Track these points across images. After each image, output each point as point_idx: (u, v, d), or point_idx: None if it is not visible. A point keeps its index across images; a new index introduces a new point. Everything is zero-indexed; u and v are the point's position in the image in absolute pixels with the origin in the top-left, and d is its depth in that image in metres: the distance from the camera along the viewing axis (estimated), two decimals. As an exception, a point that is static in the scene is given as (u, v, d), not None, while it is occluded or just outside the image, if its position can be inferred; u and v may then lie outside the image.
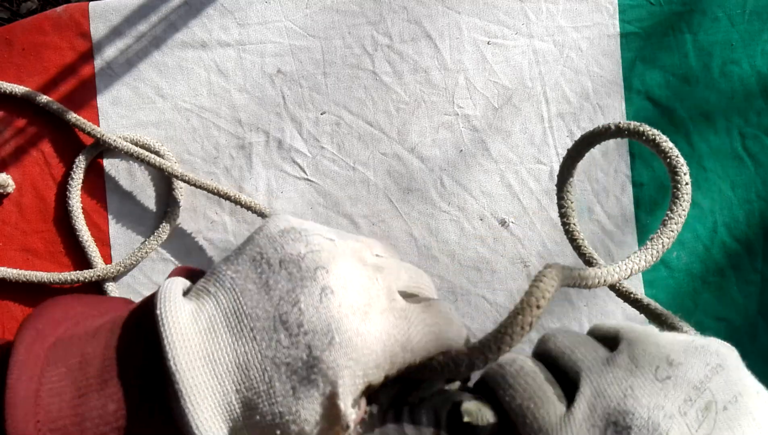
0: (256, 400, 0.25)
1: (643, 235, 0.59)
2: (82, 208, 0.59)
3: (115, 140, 0.57)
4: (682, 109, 0.59)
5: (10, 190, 0.60)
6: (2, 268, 0.58)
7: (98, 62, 0.60)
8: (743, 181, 0.59)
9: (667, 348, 0.27)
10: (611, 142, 0.59)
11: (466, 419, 0.27)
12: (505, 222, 0.59)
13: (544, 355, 0.30)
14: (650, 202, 0.59)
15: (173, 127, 0.60)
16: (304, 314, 0.25)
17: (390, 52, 0.60)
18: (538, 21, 0.59)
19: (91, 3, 0.60)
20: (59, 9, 0.60)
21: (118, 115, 0.60)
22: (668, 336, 0.28)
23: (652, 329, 0.29)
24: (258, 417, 0.25)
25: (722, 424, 0.24)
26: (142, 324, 0.27)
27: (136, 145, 0.59)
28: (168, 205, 0.59)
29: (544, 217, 0.59)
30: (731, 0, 0.59)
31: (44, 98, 0.59)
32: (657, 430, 0.24)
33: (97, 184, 0.60)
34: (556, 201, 0.48)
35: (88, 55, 0.60)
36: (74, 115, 0.58)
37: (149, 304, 0.27)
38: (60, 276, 0.58)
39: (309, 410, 0.25)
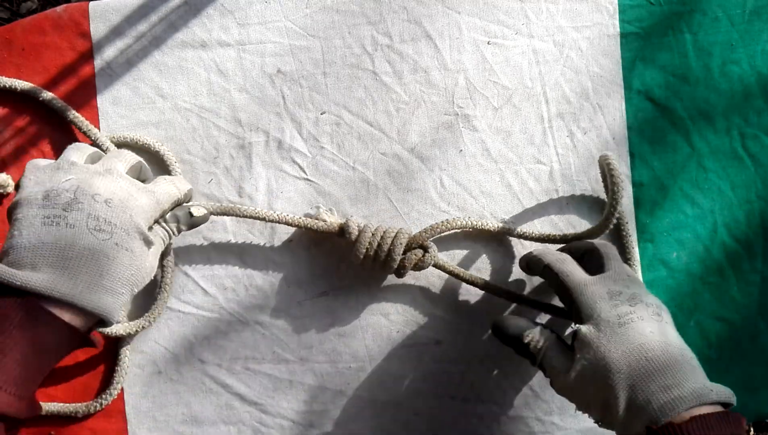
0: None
1: (643, 235, 0.59)
2: (82, 208, 0.59)
3: (108, 148, 0.57)
4: (682, 109, 0.59)
5: (10, 190, 0.60)
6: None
7: (98, 62, 0.60)
8: (743, 181, 0.59)
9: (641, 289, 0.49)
10: (611, 142, 0.59)
11: (194, 213, 0.52)
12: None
13: (570, 251, 0.54)
14: (650, 202, 0.59)
15: (173, 127, 0.60)
16: (107, 219, 0.44)
17: (390, 52, 0.60)
18: (538, 21, 0.59)
19: (91, 3, 0.60)
20: (59, 9, 0.60)
21: (118, 115, 0.60)
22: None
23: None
24: (123, 274, 0.44)
25: (667, 327, 0.46)
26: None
27: (136, 145, 0.59)
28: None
29: (544, 217, 0.59)
30: (731, 0, 0.59)
31: (48, 95, 0.59)
32: (636, 299, 0.46)
33: (97, 184, 0.60)
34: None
35: (88, 55, 0.60)
36: (74, 112, 0.58)
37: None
38: (60, 276, 0.58)
39: (138, 247, 0.46)
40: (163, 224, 0.50)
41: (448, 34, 0.59)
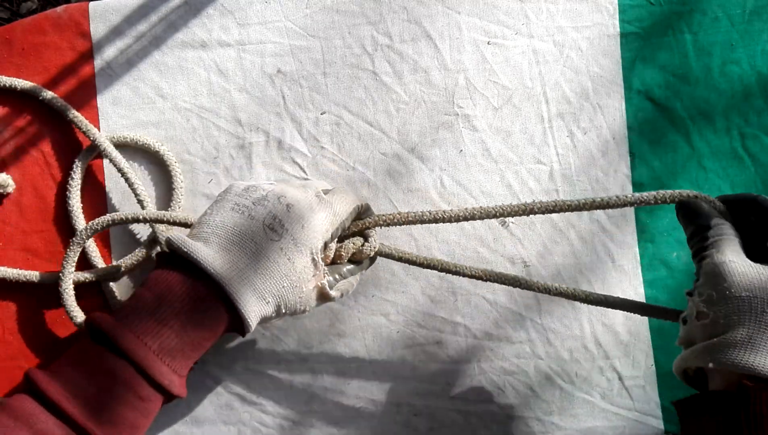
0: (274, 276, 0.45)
1: (643, 235, 0.59)
2: (82, 208, 0.59)
3: (105, 148, 0.57)
4: (682, 109, 0.59)
5: (10, 190, 0.60)
6: (2, 268, 0.58)
7: (98, 62, 0.60)
8: (743, 181, 0.59)
9: None
10: (611, 142, 0.59)
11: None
12: (505, 222, 0.59)
13: None
14: (650, 202, 0.59)
15: (173, 127, 0.60)
16: (282, 221, 0.45)
17: (390, 52, 0.60)
18: (538, 21, 0.59)
19: (91, 3, 0.60)
20: (59, 9, 0.60)
21: (118, 115, 0.60)
22: None
23: None
24: (275, 283, 0.44)
25: None
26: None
27: (136, 145, 0.59)
28: (168, 205, 0.59)
29: (543, 217, 0.59)
30: (731, 0, 0.59)
31: (49, 94, 0.59)
32: None
33: (97, 184, 0.60)
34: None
35: (88, 55, 0.60)
36: (74, 112, 0.58)
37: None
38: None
39: (302, 263, 0.45)
40: (349, 277, 0.50)
41: (448, 34, 0.59)
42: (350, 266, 0.51)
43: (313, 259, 0.46)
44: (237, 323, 0.45)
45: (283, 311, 0.46)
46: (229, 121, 0.60)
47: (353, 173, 0.59)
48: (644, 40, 0.59)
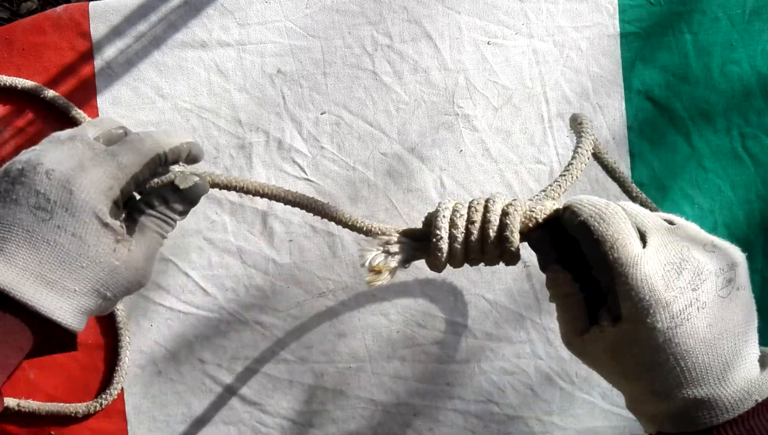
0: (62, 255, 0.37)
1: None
2: (82, 208, 0.59)
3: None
4: (682, 109, 0.59)
5: (10, 190, 0.60)
6: (2, 268, 0.58)
7: (98, 62, 0.60)
8: (743, 181, 0.59)
9: (709, 236, 0.37)
10: (611, 142, 0.59)
11: (180, 185, 0.40)
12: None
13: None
14: (650, 202, 0.60)
15: (173, 127, 0.60)
16: (46, 194, 0.36)
17: (390, 52, 0.60)
18: (538, 21, 0.59)
19: (91, 3, 0.60)
20: (59, 9, 0.60)
21: (118, 115, 0.60)
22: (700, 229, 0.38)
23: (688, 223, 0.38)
24: (72, 266, 0.37)
25: (734, 296, 0.35)
26: None
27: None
28: (168, 205, 0.59)
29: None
30: (731, 0, 0.59)
31: (51, 93, 0.59)
32: (700, 276, 0.34)
33: (97, 184, 0.60)
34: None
35: (88, 55, 0.60)
36: (76, 109, 0.58)
37: None
38: (60, 276, 0.58)
39: (92, 233, 0.37)
40: (153, 212, 0.40)
41: (448, 34, 0.59)
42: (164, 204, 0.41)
43: (105, 224, 0.37)
44: (47, 326, 0.37)
45: (109, 294, 0.38)
46: (229, 121, 0.60)
47: (353, 173, 0.59)
48: (644, 40, 0.59)
